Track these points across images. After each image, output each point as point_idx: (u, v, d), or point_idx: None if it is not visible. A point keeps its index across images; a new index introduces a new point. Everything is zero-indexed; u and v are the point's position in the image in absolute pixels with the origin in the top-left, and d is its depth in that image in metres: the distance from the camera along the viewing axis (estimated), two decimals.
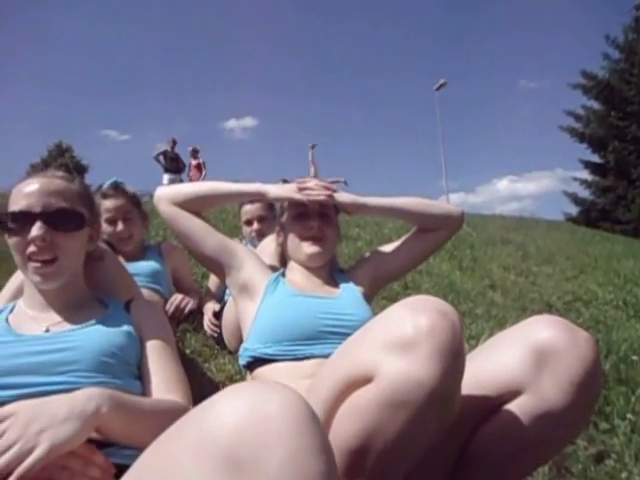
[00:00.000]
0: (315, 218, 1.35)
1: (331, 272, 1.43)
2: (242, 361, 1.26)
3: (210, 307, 2.01)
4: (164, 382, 1.01)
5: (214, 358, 1.78)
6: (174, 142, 9.18)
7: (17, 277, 1.35)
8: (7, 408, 0.77)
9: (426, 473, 0.87)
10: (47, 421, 0.71)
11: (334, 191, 1.37)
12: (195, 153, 9.64)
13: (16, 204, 1.00)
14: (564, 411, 0.82)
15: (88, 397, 0.77)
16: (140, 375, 1.04)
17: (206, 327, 1.94)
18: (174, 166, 9.14)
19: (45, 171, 1.08)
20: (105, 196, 1.89)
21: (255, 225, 2.18)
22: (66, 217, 1.02)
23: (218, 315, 1.94)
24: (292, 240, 1.39)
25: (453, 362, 0.74)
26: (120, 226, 1.90)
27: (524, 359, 0.85)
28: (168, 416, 0.76)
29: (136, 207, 1.98)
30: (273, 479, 0.50)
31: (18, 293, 1.29)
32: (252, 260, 1.37)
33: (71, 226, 1.03)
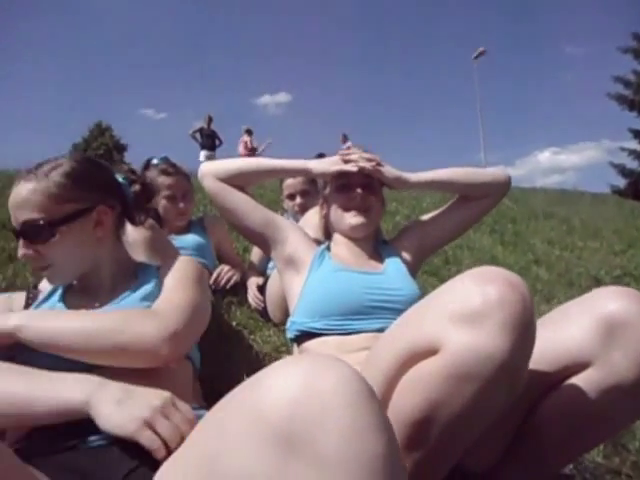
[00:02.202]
0: (358, 188, 1.33)
1: (376, 245, 1.42)
2: (290, 334, 1.27)
3: (254, 281, 2.04)
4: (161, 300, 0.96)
5: (259, 330, 1.81)
6: (210, 119, 9.25)
7: None
8: None
9: (485, 445, 0.86)
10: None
11: (379, 163, 1.35)
12: (249, 133, 9.79)
13: None
14: (633, 385, 0.78)
15: None
16: None
17: (251, 300, 1.97)
18: (210, 143, 9.23)
19: (22, 173, 0.99)
20: (166, 173, 1.95)
21: (298, 199, 2.17)
22: (34, 229, 0.94)
23: (262, 289, 1.97)
24: (335, 211, 1.38)
25: (523, 335, 0.71)
26: (181, 203, 1.98)
27: (592, 331, 0.82)
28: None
29: (190, 184, 2.04)
30: (329, 459, 0.47)
31: None
32: (297, 233, 1.36)
33: (44, 236, 0.94)
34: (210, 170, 1.35)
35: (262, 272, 2.25)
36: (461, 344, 0.72)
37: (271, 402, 0.50)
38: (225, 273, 2.05)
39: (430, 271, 2.78)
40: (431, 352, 0.77)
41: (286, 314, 1.77)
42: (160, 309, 0.90)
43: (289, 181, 2.23)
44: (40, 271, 0.99)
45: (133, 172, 1.19)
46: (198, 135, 9.19)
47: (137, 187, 1.15)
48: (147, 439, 0.69)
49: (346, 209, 1.35)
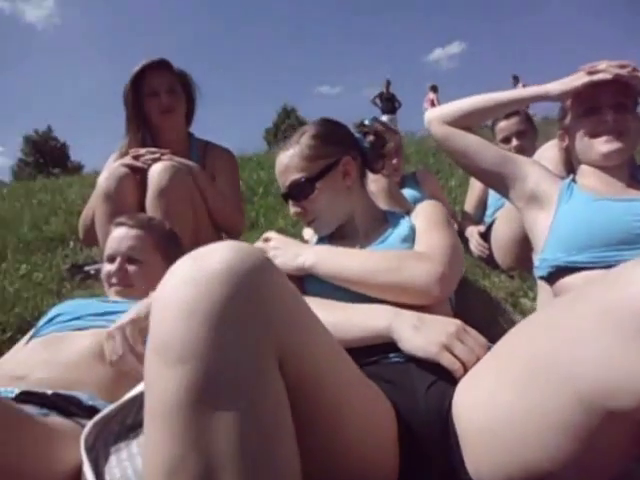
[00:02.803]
0: (609, 109, 1.18)
1: (632, 171, 1.25)
2: (541, 272, 1.22)
3: (474, 229, 2.01)
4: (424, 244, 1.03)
5: (487, 277, 1.78)
6: (388, 83, 9.29)
7: None
8: None
9: None
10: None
11: (635, 69, 1.17)
12: (434, 89, 9.63)
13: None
14: None
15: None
16: None
17: (474, 249, 1.95)
18: (390, 106, 9.28)
19: (279, 145, 1.20)
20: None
21: (514, 142, 2.04)
22: (298, 188, 1.11)
23: (485, 236, 1.93)
24: (581, 139, 1.24)
25: None
26: (394, 159, 2.03)
27: None
28: None
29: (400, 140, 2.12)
30: None
31: None
32: (537, 168, 1.29)
33: (306, 193, 1.11)
34: (435, 115, 1.35)
35: (477, 221, 2.21)
36: None
37: (629, 295, 0.49)
38: None
39: None
40: None
41: (517, 259, 1.72)
42: (426, 252, 0.96)
43: (502, 123, 2.10)
44: (308, 225, 1.17)
45: (364, 125, 1.28)
46: (378, 100, 9.31)
47: (371, 137, 1.24)
48: (448, 360, 0.76)
49: (595, 135, 1.21)
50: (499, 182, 1.33)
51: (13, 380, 0.90)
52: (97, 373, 0.97)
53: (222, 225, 1.84)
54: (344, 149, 1.15)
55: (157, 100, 1.76)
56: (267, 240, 1.13)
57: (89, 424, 0.72)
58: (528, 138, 2.04)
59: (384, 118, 9.17)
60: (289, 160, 1.12)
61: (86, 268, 2.16)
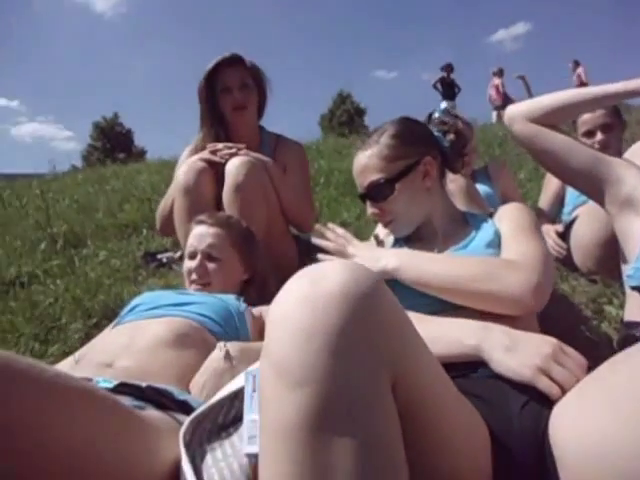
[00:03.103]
0: None
1: None
2: (634, 282, 1.13)
3: (550, 228, 1.91)
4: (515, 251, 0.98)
5: (566, 280, 1.69)
6: (451, 67, 8.96)
7: None
8: None
9: None
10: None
11: None
12: (500, 74, 9.25)
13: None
14: None
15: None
16: None
17: (550, 249, 1.86)
18: (450, 92, 8.98)
19: (358, 145, 1.16)
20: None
21: (598, 136, 1.91)
22: (377, 189, 1.09)
23: (563, 235, 1.84)
24: None
25: None
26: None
27: None
28: None
29: (473, 133, 2.03)
30: None
31: None
32: (634, 171, 1.19)
33: (384, 194, 1.09)
34: (520, 112, 1.27)
35: (553, 219, 2.10)
36: None
37: None
38: None
39: None
40: None
41: (598, 263, 1.62)
42: (518, 260, 0.93)
43: (586, 116, 1.97)
44: (386, 226, 1.15)
45: (444, 123, 1.24)
46: (439, 85, 9.03)
47: (452, 136, 1.20)
48: (545, 385, 0.72)
49: None
50: (589, 185, 1.24)
51: (101, 367, 0.96)
52: (174, 363, 1.01)
53: (293, 220, 1.86)
54: (424, 149, 1.12)
55: (230, 97, 1.79)
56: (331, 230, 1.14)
57: (187, 421, 0.75)
58: (614, 132, 1.90)
59: (444, 104, 8.89)
60: (368, 160, 1.11)
61: (159, 256, 2.25)
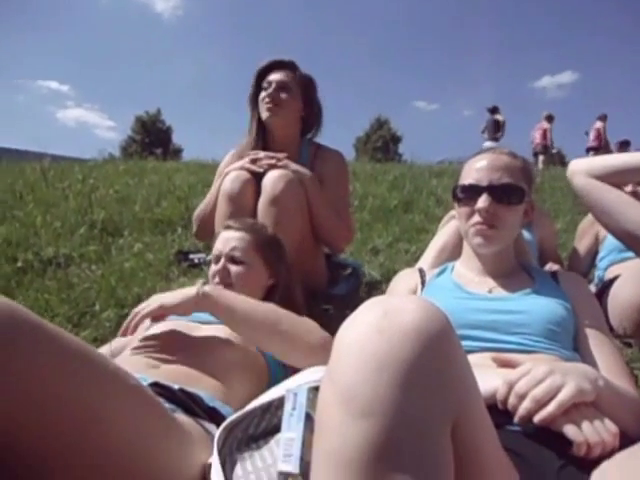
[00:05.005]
0: None
1: None
2: None
3: None
4: (607, 371, 0.96)
5: None
6: (496, 110, 9.01)
7: (438, 238, 1.55)
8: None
9: None
10: (571, 370, 0.76)
11: None
12: (549, 119, 9.24)
13: (467, 178, 1.13)
14: None
15: (588, 374, 0.79)
16: (576, 349, 1.04)
17: None
18: (494, 134, 8.99)
19: (493, 149, 1.17)
20: None
21: None
22: (509, 192, 1.08)
23: (599, 294, 1.80)
24: None
25: None
26: None
27: None
28: None
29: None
30: None
31: (441, 252, 1.48)
32: None
33: (513, 200, 1.09)
34: (583, 167, 1.29)
35: (585, 272, 2.08)
36: None
37: None
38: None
39: None
40: None
41: (638, 326, 1.58)
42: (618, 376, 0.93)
43: None
44: (490, 227, 1.09)
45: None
46: (487, 131, 9.08)
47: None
48: (573, 432, 0.71)
49: None
50: None
51: (149, 368, 0.97)
52: (217, 372, 1.02)
53: (324, 238, 1.82)
54: (529, 190, 1.15)
55: (266, 93, 1.78)
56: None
57: (220, 429, 0.75)
58: None
59: (487, 144, 8.90)
60: (511, 163, 1.11)
61: (191, 256, 2.29)
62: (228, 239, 1.33)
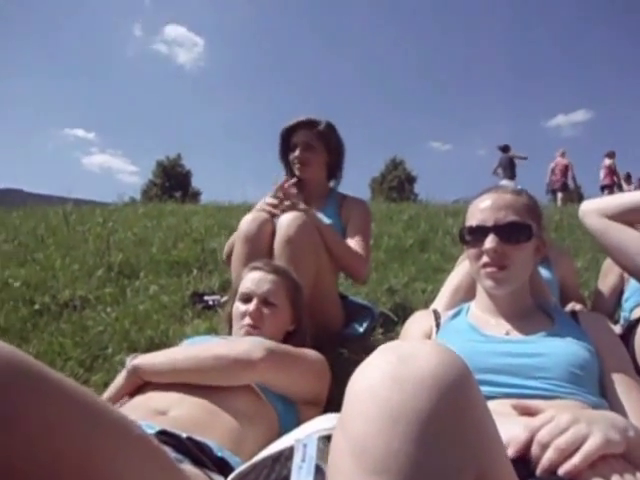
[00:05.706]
0: None
1: None
2: None
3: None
4: (637, 419, 0.90)
5: None
6: (508, 148, 9.07)
7: (452, 278, 1.52)
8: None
9: None
10: (597, 419, 0.71)
11: None
12: (562, 155, 9.30)
13: (472, 219, 1.11)
14: None
15: (616, 422, 0.73)
16: (602, 395, 0.98)
17: None
18: (510, 172, 9.03)
19: (496, 187, 1.17)
20: None
21: None
22: (516, 230, 1.07)
23: (624, 336, 1.73)
24: None
25: None
26: None
27: None
28: None
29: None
30: None
31: (455, 293, 1.45)
32: None
33: (520, 238, 1.07)
34: (595, 207, 1.27)
35: (610, 312, 2.00)
36: None
37: None
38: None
39: None
40: None
41: None
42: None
43: None
44: (500, 269, 1.07)
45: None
46: (500, 170, 9.15)
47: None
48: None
49: None
50: None
51: (156, 414, 0.95)
52: (226, 420, 0.99)
53: (346, 267, 1.91)
54: (540, 230, 1.14)
55: (294, 155, 2.01)
56: None
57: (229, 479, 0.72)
58: None
59: (504, 182, 8.92)
60: (515, 201, 1.10)
61: (206, 298, 2.28)
62: (262, 280, 1.33)
